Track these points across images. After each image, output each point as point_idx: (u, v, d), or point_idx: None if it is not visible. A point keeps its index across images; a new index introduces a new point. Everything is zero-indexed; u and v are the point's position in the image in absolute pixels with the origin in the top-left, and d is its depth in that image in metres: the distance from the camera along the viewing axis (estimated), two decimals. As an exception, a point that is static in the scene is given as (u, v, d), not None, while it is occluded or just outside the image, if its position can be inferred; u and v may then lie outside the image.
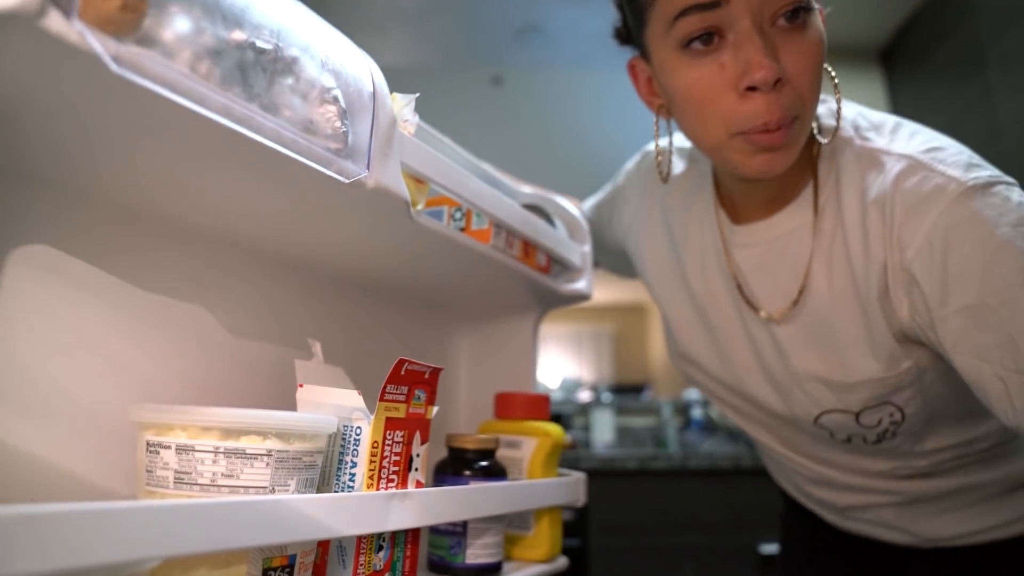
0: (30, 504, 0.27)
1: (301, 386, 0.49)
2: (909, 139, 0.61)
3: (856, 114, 0.66)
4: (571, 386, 2.58)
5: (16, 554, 0.26)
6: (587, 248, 0.81)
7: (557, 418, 2.22)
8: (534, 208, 0.79)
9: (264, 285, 0.61)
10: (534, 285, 0.74)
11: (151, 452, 0.39)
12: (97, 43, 0.30)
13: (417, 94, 0.50)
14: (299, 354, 0.57)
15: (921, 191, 0.56)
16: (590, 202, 0.96)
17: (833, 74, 0.62)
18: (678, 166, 0.79)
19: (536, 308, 0.84)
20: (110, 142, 0.39)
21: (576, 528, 1.73)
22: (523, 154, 2.84)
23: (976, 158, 0.60)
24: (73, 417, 0.45)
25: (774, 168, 0.58)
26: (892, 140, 0.62)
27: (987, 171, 0.57)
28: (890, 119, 0.65)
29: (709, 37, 0.55)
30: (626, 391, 3.50)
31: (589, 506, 1.70)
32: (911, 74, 2.25)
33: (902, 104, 2.31)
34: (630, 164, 0.90)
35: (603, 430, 2.27)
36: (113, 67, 0.31)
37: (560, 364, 4.63)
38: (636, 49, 0.66)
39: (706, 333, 0.77)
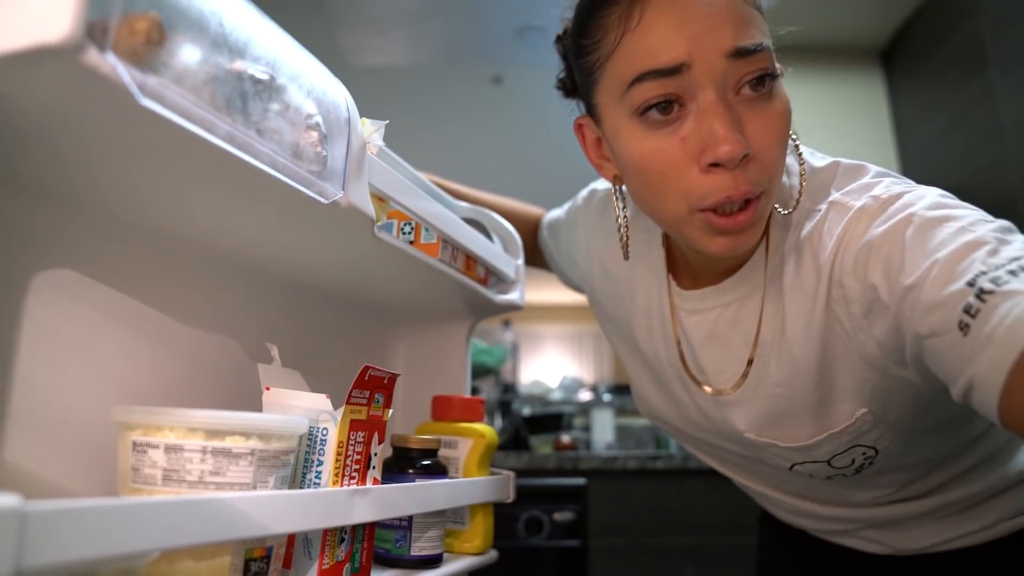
0: (62, 500, 0.29)
1: (268, 389, 0.52)
2: (852, 186, 0.58)
3: (812, 170, 0.63)
4: (571, 386, 2.56)
5: (50, 544, 0.28)
6: (520, 261, 0.87)
7: (557, 418, 2.26)
8: (472, 222, 0.84)
9: (224, 291, 0.63)
10: (472, 295, 0.79)
11: (138, 451, 0.41)
12: (127, 75, 0.33)
13: (387, 121, 0.54)
14: (254, 357, 0.60)
15: (844, 221, 0.54)
16: (551, 216, 0.93)
17: (796, 140, 0.60)
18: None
19: (470, 316, 0.89)
20: (110, 159, 0.41)
21: (576, 528, 1.72)
22: (523, 154, 2.83)
23: (904, 180, 0.57)
24: (36, 416, 0.46)
25: (737, 249, 0.54)
26: (835, 192, 0.59)
27: (906, 183, 0.55)
28: (832, 166, 0.62)
29: (668, 106, 0.51)
30: (626, 391, 3.49)
31: (589, 506, 1.73)
32: (911, 74, 2.22)
33: (902, 104, 2.27)
34: (579, 200, 0.85)
35: (603, 430, 2.24)
36: (140, 98, 0.33)
37: (560, 364, 4.50)
38: (583, 105, 0.62)
39: (661, 389, 0.74)
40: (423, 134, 2.83)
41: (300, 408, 0.50)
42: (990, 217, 0.50)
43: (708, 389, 0.66)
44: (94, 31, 0.31)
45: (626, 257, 0.64)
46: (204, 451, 0.41)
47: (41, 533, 0.28)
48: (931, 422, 0.60)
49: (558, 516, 1.71)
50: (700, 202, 0.52)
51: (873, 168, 0.60)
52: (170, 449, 0.40)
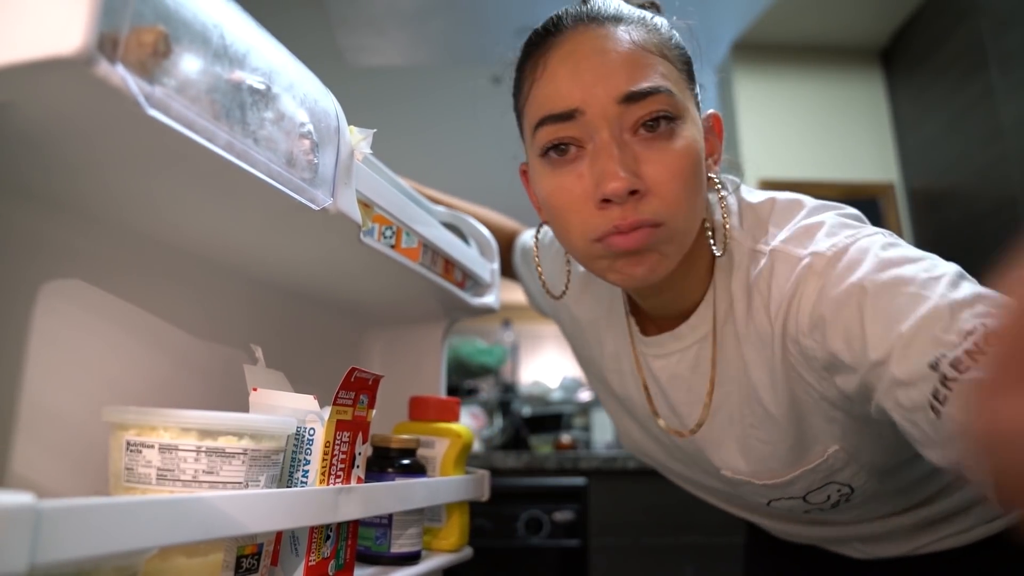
0: (73, 499, 0.30)
1: (255, 390, 0.53)
2: (791, 229, 0.59)
3: (749, 208, 0.64)
4: (571, 386, 2.54)
5: (62, 541, 0.29)
6: (495, 266, 0.89)
7: (557, 418, 2.26)
8: (449, 226, 0.86)
9: (209, 293, 0.63)
10: (450, 298, 0.80)
11: (132, 451, 0.42)
12: (135, 87, 0.34)
13: (374, 130, 0.55)
14: (239, 358, 0.61)
15: (792, 278, 0.55)
16: (524, 241, 0.96)
17: (717, 181, 0.61)
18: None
19: (446, 318, 0.91)
20: (112, 166, 0.42)
21: (576, 528, 1.71)
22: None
23: (841, 221, 0.57)
24: (27, 416, 0.46)
25: (635, 274, 0.56)
26: (775, 235, 0.59)
27: (846, 232, 0.55)
28: (776, 204, 0.63)
29: (566, 148, 0.55)
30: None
31: (589, 506, 1.72)
32: (911, 74, 2.23)
33: (902, 104, 2.28)
34: (544, 240, 0.84)
35: (603, 430, 2.21)
36: (147, 108, 0.34)
37: (560, 364, 4.32)
38: None
39: (640, 427, 0.76)
40: (423, 134, 2.82)
41: (287, 409, 0.51)
42: (938, 263, 0.51)
43: (673, 431, 0.69)
44: (105, 43, 0.32)
45: (558, 296, 0.70)
46: (198, 451, 0.42)
47: (53, 530, 0.29)
48: (903, 457, 0.61)
49: (558, 516, 1.71)
50: (595, 233, 0.55)
51: (809, 203, 0.61)
52: (164, 449, 0.41)
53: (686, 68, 0.59)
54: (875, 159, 2.30)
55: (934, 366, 0.43)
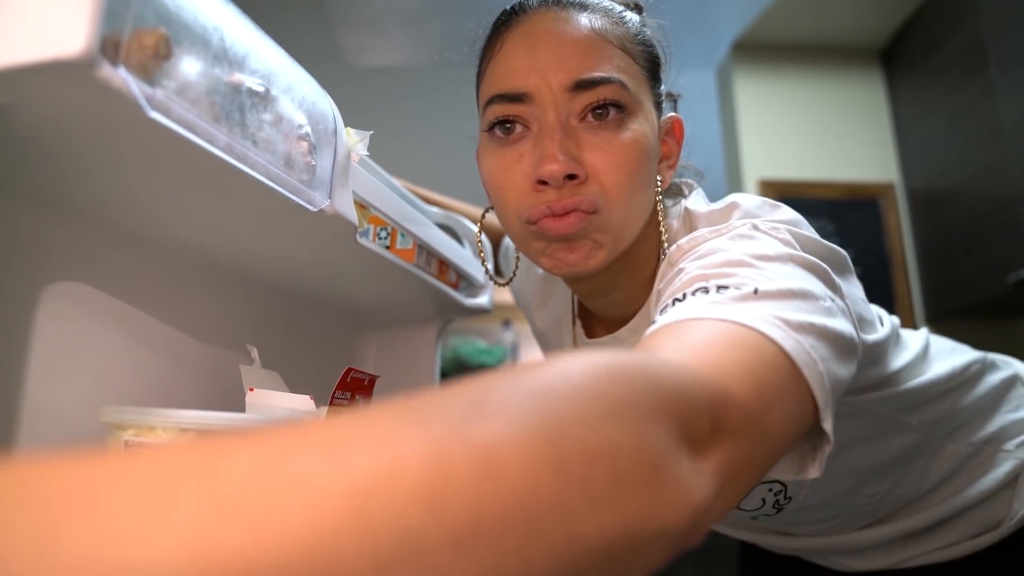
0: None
1: (251, 390, 0.53)
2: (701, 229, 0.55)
3: (697, 216, 0.60)
4: None
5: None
6: (489, 267, 0.89)
7: None
8: (444, 227, 0.87)
9: (205, 294, 0.63)
10: (444, 299, 0.81)
11: (130, 451, 0.42)
12: (137, 89, 0.34)
13: (371, 132, 0.55)
14: (234, 358, 0.61)
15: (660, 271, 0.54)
16: (507, 239, 0.91)
17: (659, 180, 0.59)
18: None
19: (440, 319, 0.91)
20: (112, 168, 0.42)
21: None
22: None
23: (739, 232, 0.51)
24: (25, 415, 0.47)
25: (567, 260, 0.55)
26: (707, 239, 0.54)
27: (718, 231, 0.52)
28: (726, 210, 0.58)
29: (511, 125, 0.55)
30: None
31: None
32: (911, 74, 2.24)
33: (902, 104, 2.28)
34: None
35: None
36: (148, 110, 0.35)
37: None
38: None
39: None
40: (422, 134, 2.82)
41: (283, 409, 0.52)
42: (766, 278, 0.42)
43: None
44: (107, 46, 0.32)
45: (507, 283, 0.69)
46: (195, 449, 0.42)
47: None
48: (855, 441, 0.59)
49: None
50: (528, 214, 0.54)
51: (740, 209, 0.56)
52: (161, 447, 0.42)
53: (648, 66, 0.58)
54: (875, 159, 2.30)
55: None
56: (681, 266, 0.49)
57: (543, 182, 0.52)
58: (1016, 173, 1.73)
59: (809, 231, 0.53)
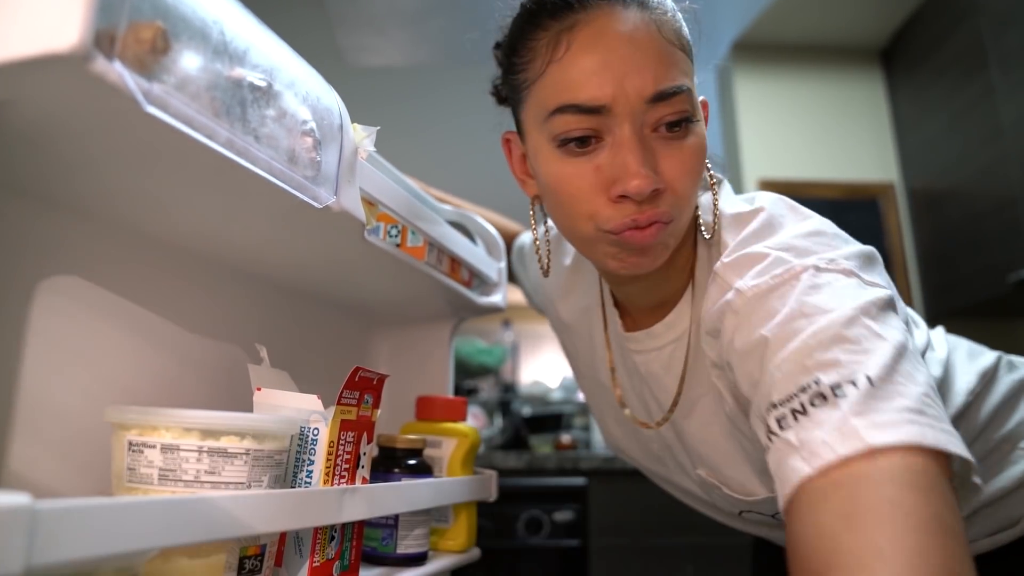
0: (71, 499, 0.30)
1: (259, 389, 0.52)
2: (735, 250, 0.55)
3: (734, 209, 0.60)
4: (571, 386, 2.52)
5: (58, 542, 0.29)
6: (502, 265, 0.88)
7: (557, 418, 2.25)
8: (455, 225, 0.86)
9: (213, 292, 0.63)
10: (456, 297, 0.80)
11: (134, 451, 0.41)
12: (133, 83, 0.33)
13: (378, 127, 0.55)
14: (243, 357, 0.60)
15: (716, 309, 0.53)
16: (520, 241, 0.96)
17: (711, 174, 0.60)
18: (570, 254, 0.78)
19: (453, 317, 0.90)
20: (111, 164, 0.41)
21: (576, 528, 1.71)
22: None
23: (778, 256, 0.51)
24: (27, 415, 0.46)
25: (641, 268, 0.56)
26: (760, 238, 0.55)
27: (777, 271, 0.50)
28: (763, 211, 0.58)
29: (586, 140, 0.53)
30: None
31: (589, 506, 1.72)
32: (911, 74, 2.23)
33: (902, 104, 2.28)
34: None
35: None
36: (145, 105, 0.34)
37: (560, 364, 4.44)
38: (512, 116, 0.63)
39: (622, 424, 0.75)
40: (423, 134, 2.82)
41: (291, 408, 0.51)
42: (856, 311, 0.45)
43: (640, 422, 0.69)
44: (101, 40, 0.32)
45: (545, 275, 0.67)
46: (200, 451, 0.41)
47: (50, 531, 0.28)
48: None
49: (558, 516, 1.71)
50: (606, 224, 0.54)
51: (759, 218, 0.57)
52: (166, 449, 0.41)
53: (690, 57, 0.57)
54: (875, 159, 2.29)
55: (767, 411, 0.44)
56: (742, 301, 0.50)
57: (623, 196, 0.52)
58: (1016, 173, 1.73)
59: (842, 240, 0.54)
